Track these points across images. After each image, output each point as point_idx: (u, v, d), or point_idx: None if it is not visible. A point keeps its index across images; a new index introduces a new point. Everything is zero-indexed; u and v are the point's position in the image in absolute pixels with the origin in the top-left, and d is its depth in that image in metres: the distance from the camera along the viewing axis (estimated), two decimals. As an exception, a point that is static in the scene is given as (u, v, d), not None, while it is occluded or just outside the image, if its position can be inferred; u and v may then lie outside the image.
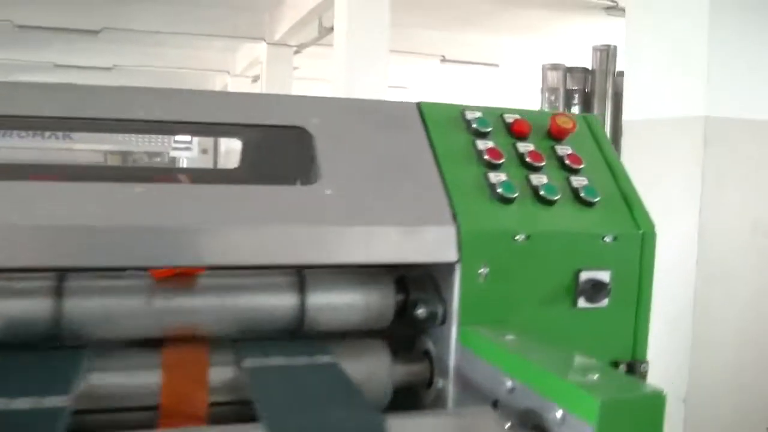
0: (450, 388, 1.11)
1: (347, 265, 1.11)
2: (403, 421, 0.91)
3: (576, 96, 7.29)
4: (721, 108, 3.33)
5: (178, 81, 18.55)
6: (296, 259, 1.05)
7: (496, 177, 1.18)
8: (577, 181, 1.23)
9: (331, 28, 12.02)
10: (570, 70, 7.34)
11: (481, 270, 1.10)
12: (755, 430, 3.06)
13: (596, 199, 1.21)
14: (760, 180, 3.36)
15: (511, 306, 1.13)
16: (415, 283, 1.17)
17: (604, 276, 1.18)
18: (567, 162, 1.26)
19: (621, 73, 7.14)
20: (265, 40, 13.41)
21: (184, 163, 12.39)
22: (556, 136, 1.30)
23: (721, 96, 3.39)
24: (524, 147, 1.25)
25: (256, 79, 17.18)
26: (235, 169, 1.80)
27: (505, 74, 14.67)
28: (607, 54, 7.26)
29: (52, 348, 1.04)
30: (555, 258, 1.16)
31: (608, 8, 10.29)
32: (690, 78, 3.48)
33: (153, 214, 0.99)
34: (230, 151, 12.52)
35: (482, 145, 1.22)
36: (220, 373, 1.06)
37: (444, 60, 13.91)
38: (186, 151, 11.91)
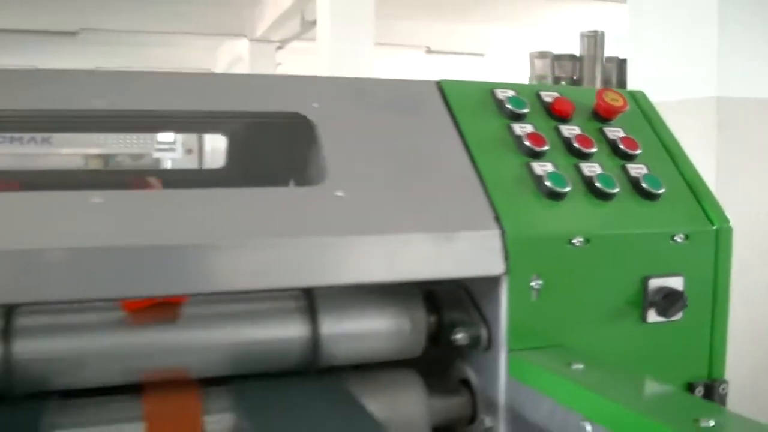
0: (501, 429, 0.89)
1: (366, 284, 0.89)
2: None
3: (564, 83, 7.15)
4: (733, 88, 3.16)
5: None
6: (303, 280, 0.83)
7: (541, 167, 0.96)
8: (635, 169, 1.02)
9: (314, 22, 11.82)
10: (558, 58, 7.20)
11: (533, 283, 0.89)
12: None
13: (660, 191, 1.00)
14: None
15: (570, 325, 0.92)
16: (447, 300, 0.96)
17: (677, 283, 0.97)
18: (621, 147, 1.04)
19: (610, 59, 7.02)
20: (246, 37, 13.21)
21: (168, 165, 12.09)
22: (603, 116, 1.08)
23: (732, 75, 3.22)
24: (569, 130, 1.04)
25: (238, 77, 16.93)
26: (220, 168, 1.57)
27: (490, 64, 14.50)
28: (594, 40, 7.10)
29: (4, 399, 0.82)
30: (618, 264, 0.95)
31: (596, -7, 10.15)
32: (699, 58, 3.31)
33: (122, 229, 0.77)
34: (217, 150, 12.21)
35: (520, 129, 1.01)
36: (217, 422, 0.85)
37: (429, 51, 13.74)
38: (169, 152, 11.58)
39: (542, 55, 7.27)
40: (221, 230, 0.81)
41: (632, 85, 3.84)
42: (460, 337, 0.92)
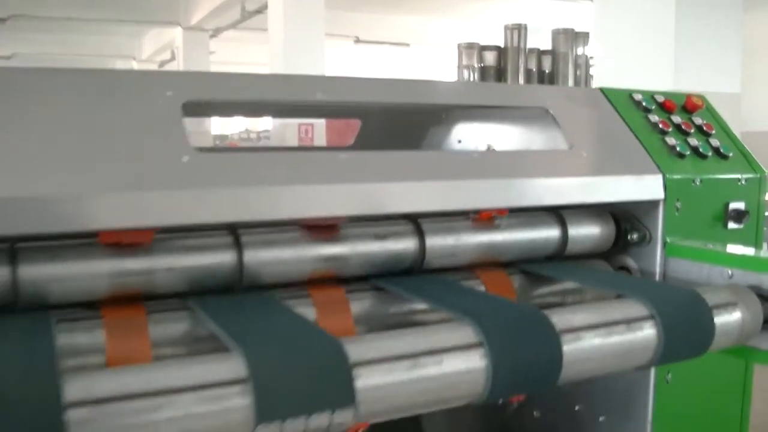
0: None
1: (595, 204, 1.58)
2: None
3: (491, 71, 7.93)
4: (689, 82, 3.95)
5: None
6: (558, 200, 1.51)
7: (670, 141, 1.69)
8: (714, 141, 1.76)
9: (254, 12, 12.13)
10: (484, 48, 7.97)
11: (677, 204, 1.61)
12: None
13: (730, 154, 1.75)
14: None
15: (691, 227, 1.65)
16: (622, 216, 1.67)
17: (742, 205, 1.72)
18: (704, 128, 1.78)
19: (531, 51, 7.83)
20: (180, 25, 13.32)
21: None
22: (690, 110, 1.82)
23: (688, 71, 4.00)
24: (677, 119, 1.77)
25: (163, 64, 16.95)
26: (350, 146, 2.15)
27: (414, 54, 15.22)
28: (518, 32, 7.93)
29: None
30: (713, 195, 1.68)
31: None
32: (658, 55, 4.06)
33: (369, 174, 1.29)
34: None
35: (653, 118, 1.73)
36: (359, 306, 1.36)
37: (358, 41, 14.28)
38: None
39: (470, 46, 8.04)
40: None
41: (598, 78, 4.62)
42: (635, 236, 1.63)
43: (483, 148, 1.69)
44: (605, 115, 1.69)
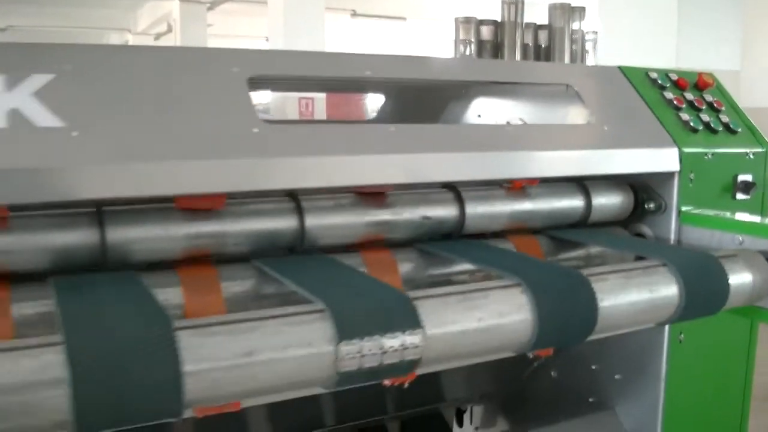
0: (676, 251, 1.74)
1: (616, 175, 1.70)
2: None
3: (488, 46, 8.01)
4: (690, 60, 4.07)
5: (74, 40, 17.86)
6: (585, 171, 1.63)
7: (684, 116, 1.80)
8: (723, 117, 1.88)
9: (254, -14, 12.07)
10: (481, 23, 8.04)
11: (690, 175, 1.73)
12: None
13: (738, 130, 1.87)
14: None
15: (702, 197, 1.77)
16: (639, 187, 1.78)
17: (749, 177, 1.84)
18: (714, 105, 1.90)
19: (528, 25, 7.90)
20: (177, -2, 13.25)
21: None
22: (701, 87, 1.93)
23: (689, 49, 4.12)
24: (689, 96, 1.88)
25: (158, 36, 16.89)
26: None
27: (412, 28, 15.22)
28: (516, 7, 7.99)
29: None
30: (723, 168, 1.80)
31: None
32: (661, 33, 4.17)
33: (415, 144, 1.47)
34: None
35: (668, 95, 1.84)
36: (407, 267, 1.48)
37: (354, 14, 14.28)
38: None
39: (467, 20, 8.09)
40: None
41: (602, 55, 4.72)
42: (652, 206, 1.75)
43: (516, 121, 1.80)
44: (624, 91, 1.81)
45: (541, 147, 1.56)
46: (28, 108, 1.14)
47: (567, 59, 9.12)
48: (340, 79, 1.59)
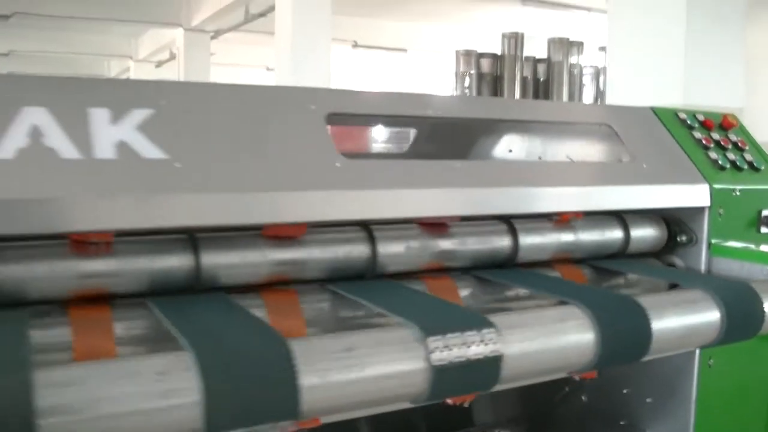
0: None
1: (652, 210, 1.82)
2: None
3: (487, 78, 8.16)
4: (697, 98, 4.20)
5: (75, 66, 18.06)
6: (626, 205, 1.74)
7: (712, 155, 1.93)
8: (748, 156, 2.01)
9: (258, 15, 12.28)
10: (481, 56, 8.20)
11: (720, 210, 1.85)
12: None
13: (762, 167, 1.99)
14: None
15: (730, 231, 1.89)
16: (672, 220, 1.90)
17: (773, 213, 1.96)
18: (739, 144, 2.02)
19: (528, 59, 8.07)
20: (182, 26, 13.43)
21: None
22: (726, 128, 2.06)
23: (695, 86, 4.25)
24: (716, 135, 2.01)
25: (160, 64, 17.05)
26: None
27: (412, 59, 15.45)
28: (515, 41, 8.17)
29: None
30: (749, 203, 1.92)
31: (524, -1, 11.19)
32: (668, 69, 4.30)
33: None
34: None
35: (697, 135, 1.97)
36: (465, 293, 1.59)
37: (356, 45, 14.49)
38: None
39: (467, 53, 8.26)
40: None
41: (610, 91, 4.87)
42: (684, 238, 1.87)
43: (564, 159, 1.93)
44: (657, 131, 1.93)
45: (586, 183, 1.67)
46: (133, 140, 1.25)
47: (565, 93, 9.29)
48: (406, 116, 1.72)
